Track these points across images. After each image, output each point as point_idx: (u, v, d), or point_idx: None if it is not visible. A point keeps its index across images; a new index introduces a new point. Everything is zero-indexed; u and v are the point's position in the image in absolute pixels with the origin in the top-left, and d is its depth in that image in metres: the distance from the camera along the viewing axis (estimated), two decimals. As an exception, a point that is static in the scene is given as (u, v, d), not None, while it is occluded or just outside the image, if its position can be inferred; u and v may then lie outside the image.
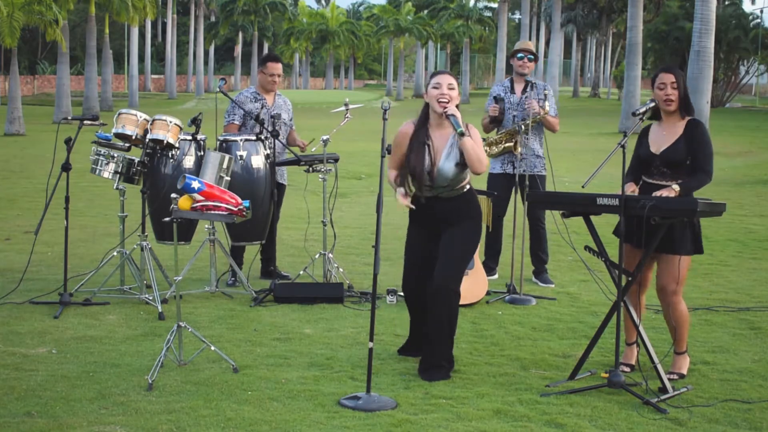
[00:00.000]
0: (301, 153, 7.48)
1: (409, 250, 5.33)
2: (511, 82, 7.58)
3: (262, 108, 7.33)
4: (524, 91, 7.46)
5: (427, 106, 5.07)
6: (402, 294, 6.96)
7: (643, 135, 5.21)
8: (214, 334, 5.81)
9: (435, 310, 5.06)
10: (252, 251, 7.65)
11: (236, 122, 7.40)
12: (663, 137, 5.09)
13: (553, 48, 38.84)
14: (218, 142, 7.13)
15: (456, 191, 5.13)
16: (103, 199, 12.06)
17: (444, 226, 5.16)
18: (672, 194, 4.89)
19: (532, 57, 7.46)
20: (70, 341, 5.63)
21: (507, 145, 7.37)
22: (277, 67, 7.46)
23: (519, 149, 7.28)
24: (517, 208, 7.31)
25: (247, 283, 7.00)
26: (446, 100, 4.94)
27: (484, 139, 7.28)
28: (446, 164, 5.01)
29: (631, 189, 5.05)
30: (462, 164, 5.00)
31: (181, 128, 6.81)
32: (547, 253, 7.67)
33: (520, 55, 7.48)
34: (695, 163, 5.02)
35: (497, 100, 7.51)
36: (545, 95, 7.36)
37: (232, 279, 7.32)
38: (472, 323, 6.26)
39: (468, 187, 5.19)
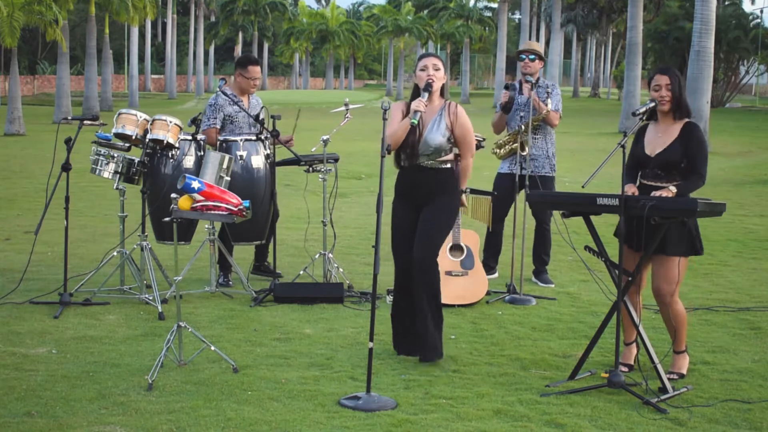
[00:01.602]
0: (287, 146, 7.40)
1: (394, 222, 5.50)
2: (520, 83, 7.58)
3: (261, 108, 7.33)
4: (531, 89, 7.45)
5: (416, 88, 5.42)
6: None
7: (640, 134, 5.20)
8: (214, 334, 5.81)
9: (416, 287, 5.32)
10: (244, 251, 7.65)
11: (217, 126, 7.33)
12: (658, 139, 5.09)
13: (553, 48, 38.83)
14: (218, 142, 7.13)
15: (438, 163, 5.39)
16: (103, 199, 12.06)
17: (424, 197, 5.39)
18: (668, 195, 4.89)
19: (533, 57, 7.43)
20: (70, 341, 5.63)
21: (514, 146, 7.35)
22: (259, 71, 7.41)
23: (526, 150, 7.26)
24: (518, 208, 7.31)
25: (247, 283, 7.00)
26: (432, 81, 5.33)
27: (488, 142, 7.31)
28: (431, 135, 5.34)
29: (631, 191, 5.05)
30: (449, 140, 5.39)
31: (181, 128, 6.81)
32: (550, 255, 7.68)
33: (522, 56, 7.47)
34: (690, 165, 5.03)
35: (507, 87, 7.47)
36: (548, 93, 7.34)
37: (225, 279, 7.31)
38: (472, 323, 6.26)
39: (450, 165, 5.45)
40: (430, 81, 5.30)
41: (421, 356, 5.31)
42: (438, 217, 5.38)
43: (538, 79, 7.45)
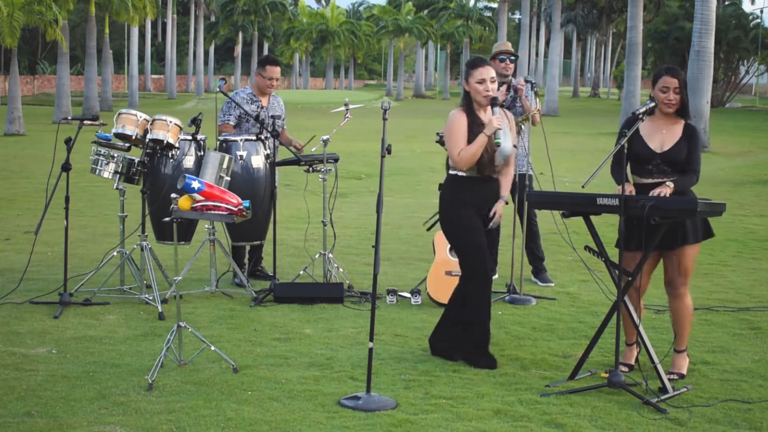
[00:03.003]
0: (298, 153, 7.46)
1: (473, 233, 5.34)
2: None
3: (261, 108, 7.33)
4: (507, 91, 7.40)
5: (468, 94, 5.35)
6: (401, 293, 6.98)
7: (635, 131, 5.16)
8: (214, 334, 5.81)
9: (488, 293, 5.38)
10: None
11: (231, 123, 7.38)
12: (663, 135, 5.08)
13: (553, 48, 38.85)
14: (218, 142, 7.14)
15: (498, 171, 5.45)
16: (103, 199, 12.06)
17: (486, 207, 5.39)
18: (668, 191, 4.90)
19: (513, 58, 7.44)
20: (70, 341, 5.63)
21: None
22: (277, 71, 7.44)
23: None
24: (516, 209, 7.31)
25: (248, 284, 7.00)
26: (494, 96, 5.33)
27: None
28: (506, 143, 5.33)
29: (629, 190, 5.05)
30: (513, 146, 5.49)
31: (181, 128, 6.81)
32: (542, 249, 7.65)
33: (502, 57, 7.42)
34: (688, 163, 5.05)
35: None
36: (535, 93, 7.34)
37: (238, 278, 7.31)
38: (472, 323, 6.26)
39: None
40: (495, 96, 5.30)
41: (487, 362, 5.32)
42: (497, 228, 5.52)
43: (510, 80, 7.45)
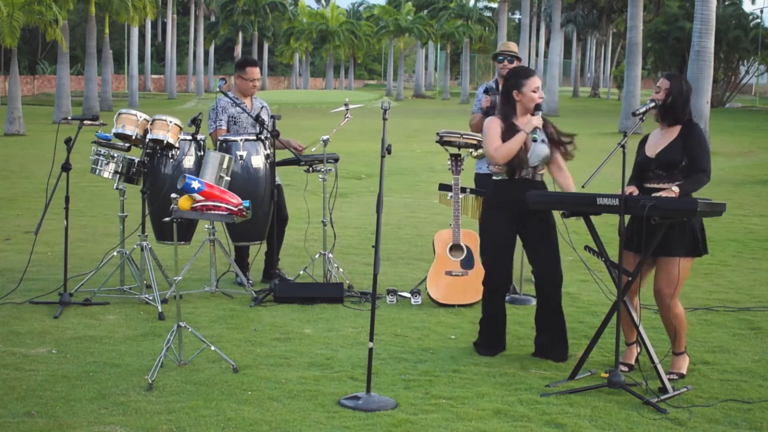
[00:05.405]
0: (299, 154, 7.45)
1: (492, 234, 5.57)
2: (496, 83, 7.46)
3: (262, 108, 7.32)
4: None
5: (512, 102, 5.51)
6: (401, 293, 6.97)
7: (642, 141, 5.24)
8: (214, 334, 5.81)
9: (552, 299, 5.49)
10: (255, 250, 7.65)
11: (224, 127, 7.32)
12: (659, 140, 5.11)
13: (553, 48, 38.81)
14: (218, 142, 7.13)
15: (540, 174, 5.57)
16: (103, 199, 12.06)
17: (526, 211, 5.40)
18: (671, 195, 4.89)
19: (512, 59, 7.34)
20: (70, 341, 5.63)
21: None
22: (257, 72, 7.38)
23: None
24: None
25: (248, 283, 7.00)
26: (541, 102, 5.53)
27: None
28: (539, 146, 5.48)
29: (630, 190, 5.05)
30: (549, 147, 5.55)
31: (181, 128, 6.81)
32: None
33: (500, 58, 7.37)
34: (692, 163, 5.02)
35: (488, 91, 7.40)
36: None
37: (239, 279, 7.30)
38: (471, 323, 6.26)
39: (542, 176, 5.63)
40: (540, 102, 5.47)
41: (558, 357, 5.42)
42: (553, 231, 5.53)
43: None
